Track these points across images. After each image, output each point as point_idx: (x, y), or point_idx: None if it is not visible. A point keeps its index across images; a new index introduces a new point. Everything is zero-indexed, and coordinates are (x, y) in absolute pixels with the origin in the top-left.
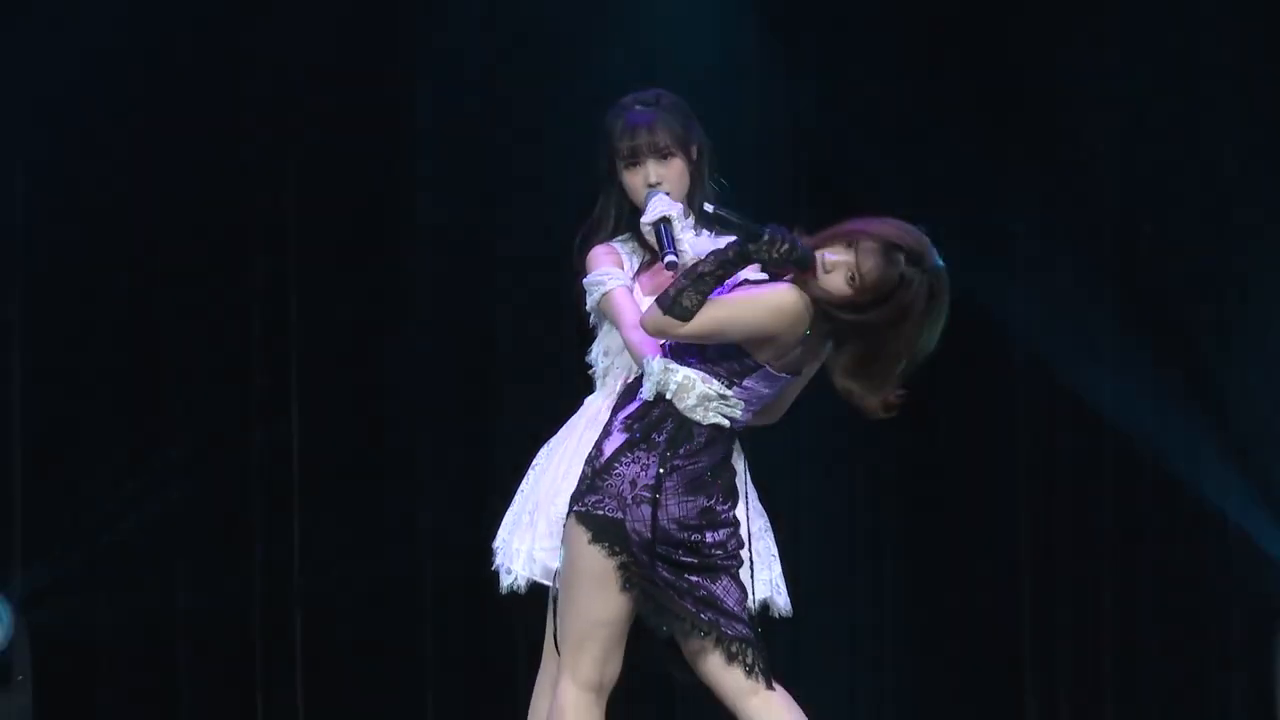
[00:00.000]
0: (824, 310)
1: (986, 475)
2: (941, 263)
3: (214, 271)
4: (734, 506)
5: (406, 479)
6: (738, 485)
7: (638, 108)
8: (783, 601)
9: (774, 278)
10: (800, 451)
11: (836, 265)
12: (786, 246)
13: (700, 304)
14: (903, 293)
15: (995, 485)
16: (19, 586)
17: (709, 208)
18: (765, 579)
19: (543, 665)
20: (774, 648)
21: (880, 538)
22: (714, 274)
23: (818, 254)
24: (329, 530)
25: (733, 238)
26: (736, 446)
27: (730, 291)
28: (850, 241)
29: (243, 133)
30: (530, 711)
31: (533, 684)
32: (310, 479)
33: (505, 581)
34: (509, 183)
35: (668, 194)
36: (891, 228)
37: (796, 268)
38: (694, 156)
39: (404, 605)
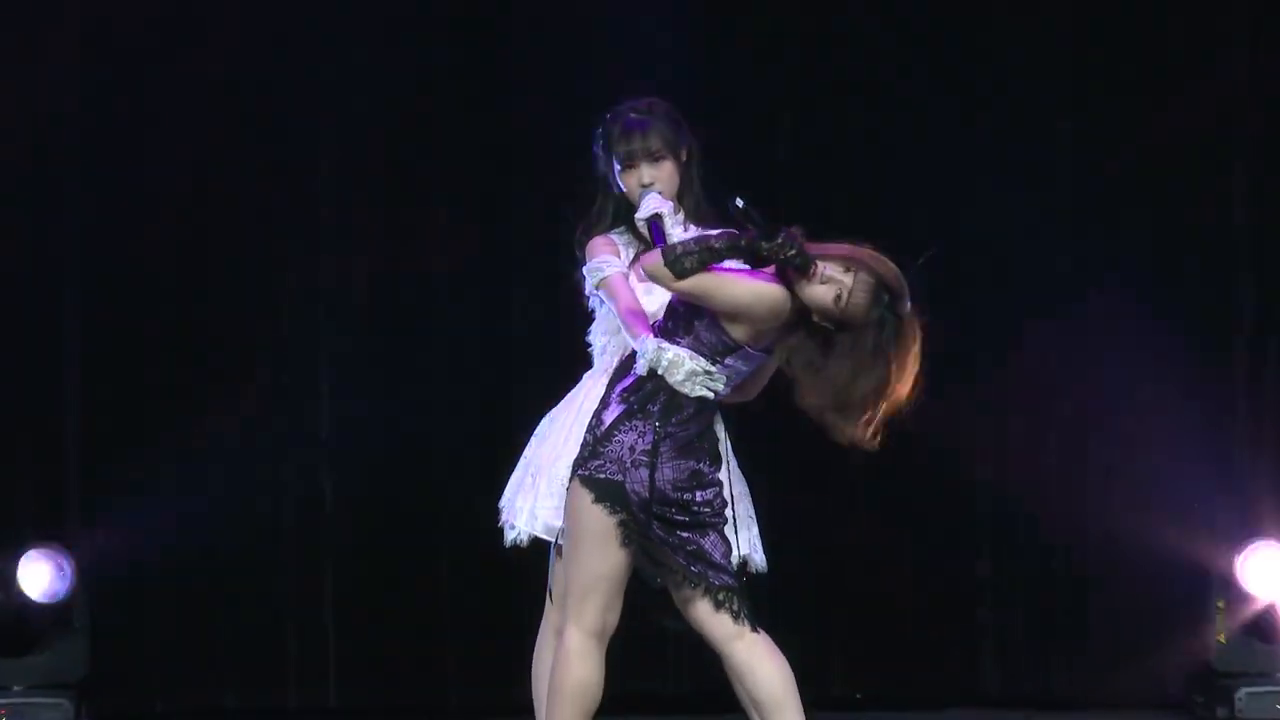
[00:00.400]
0: (800, 313)
1: (947, 446)
2: (911, 309)
3: (252, 257)
4: (719, 469)
5: (428, 449)
6: (720, 451)
7: (633, 115)
8: (759, 559)
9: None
10: (780, 425)
11: (831, 281)
12: (794, 251)
13: (698, 269)
14: (875, 330)
15: (956, 457)
16: (79, 541)
17: (740, 202)
18: (745, 538)
19: (545, 614)
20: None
21: (850, 499)
22: (721, 251)
23: (818, 264)
24: (358, 495)
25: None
26: (718, 417)
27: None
28: (849, 267)
29: (271, 129)
30: (535, 656)
31: (536, 631)
32: (340, 450)
33: (509, 537)
34: (518, 178)
35: (660, 193)
36: (887, 269)
37: (796, 270)
38: (683, 159)
39: (424, 559)
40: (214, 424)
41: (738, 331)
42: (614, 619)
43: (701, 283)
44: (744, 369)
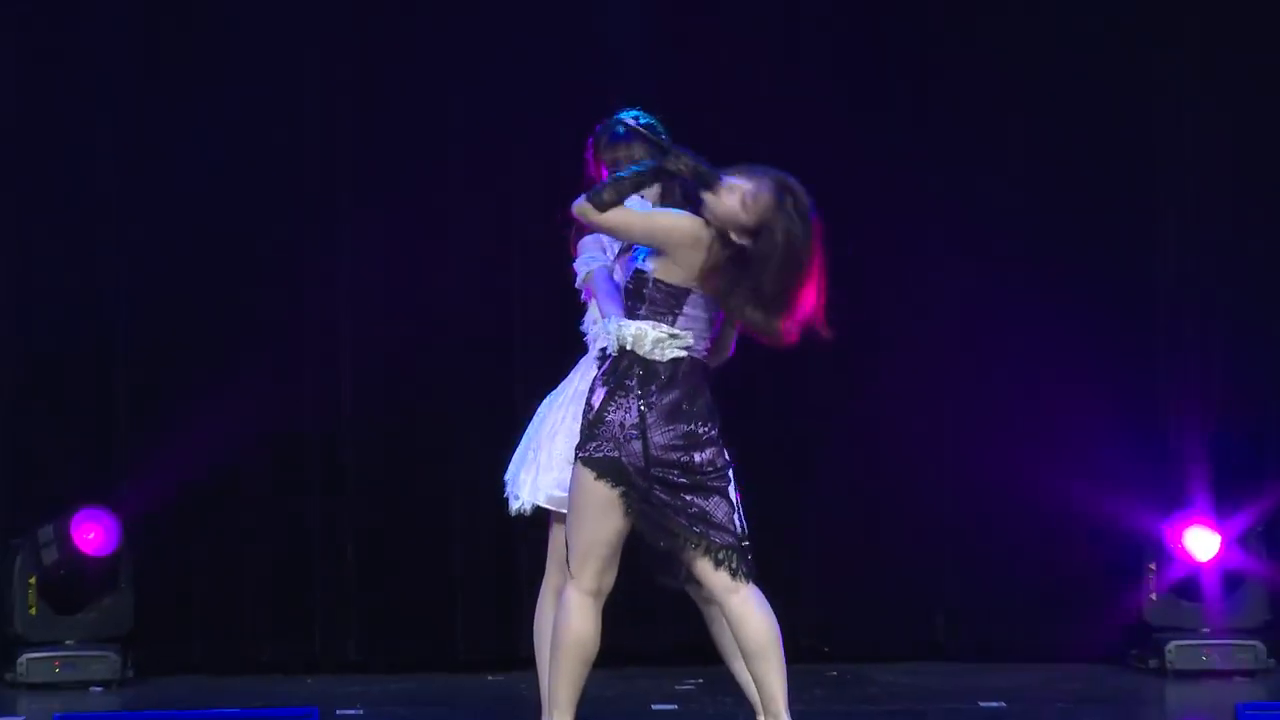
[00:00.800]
0: (719, 235)
1: (901, 427)
2: (815, 216)
3: (281, 248)
4: (714, 427)
5: (441, 429)
6: (715, 410)
7: (621, 126)
8: (739, 522)
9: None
10: (753, 395)
11: (735, 188)
12: (693, 162)
13: (615, 200)
14: (780, 226)
15: (910, 437)
16: (125, 506)
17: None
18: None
19: (545, 576)
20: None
21: (819, 475)
22: (631, 180)
23: (723, 177)
24: (378, 470)
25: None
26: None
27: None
28: (751, 173)
29: (297, 134)
30: (537, 614)
31: (538, 592)
32: (360, 430)
33: (513, 506)
34: (521, 180)
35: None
36: (786, 176)
37: (702, 184)
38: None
39: (437, 528)
40: (245, 403)
41: (675, 275)
42: (609, 580)
43: (620, 214)
44: (703, 315)
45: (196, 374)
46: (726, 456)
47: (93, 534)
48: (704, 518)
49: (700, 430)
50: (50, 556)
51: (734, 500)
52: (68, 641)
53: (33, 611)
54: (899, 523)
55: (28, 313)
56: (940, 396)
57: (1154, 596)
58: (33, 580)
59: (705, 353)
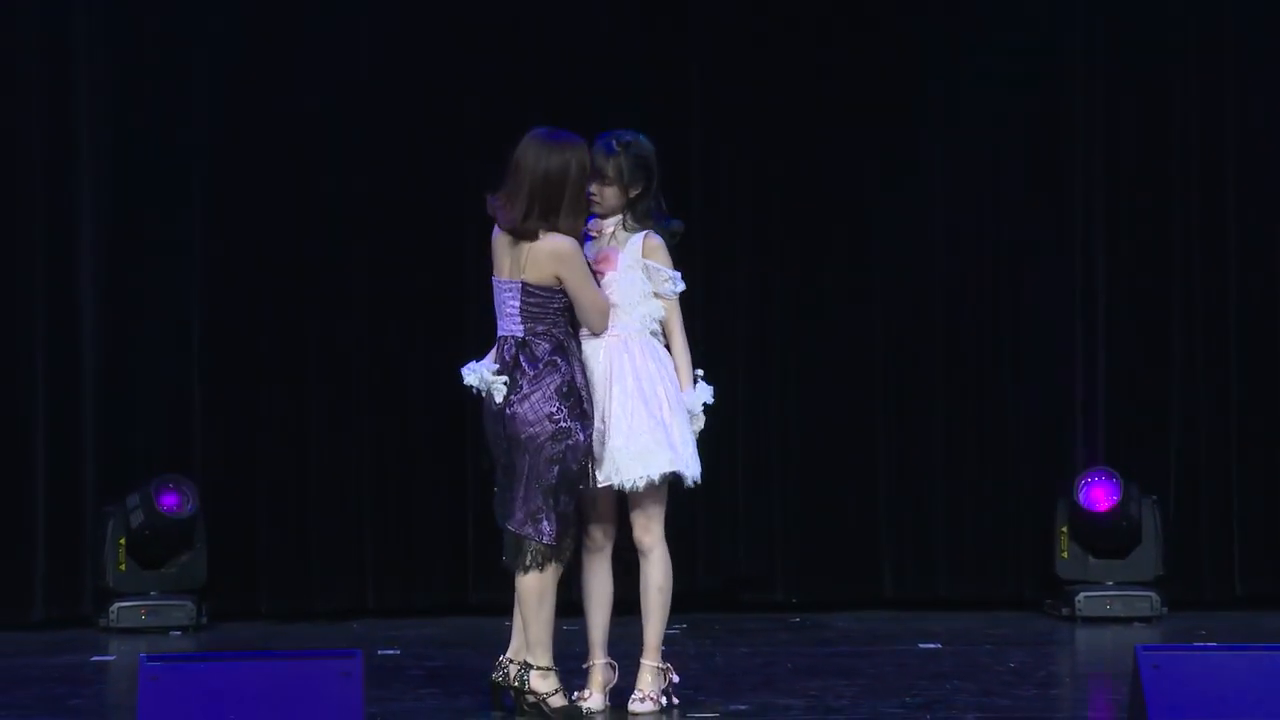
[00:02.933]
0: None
1: (853, 412)
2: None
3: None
4: (526, 404)
5: (455, 401)
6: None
7: (603, 141)
8: (690, 474)
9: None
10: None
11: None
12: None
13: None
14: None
15: (860, 420)
16: (201, 476)
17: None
18: (667, 458)
19: (589, 537)
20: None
21: (781, 453)
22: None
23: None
24: (410, 445)
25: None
26: (602, 356)
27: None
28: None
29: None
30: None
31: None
32: (391, 413)
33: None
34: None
35: (597, 200)
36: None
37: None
38: (631, 190)
39: (456, 492)
40: (294, 396)
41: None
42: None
43: None
44: (504, 297)
45: (262, 374)
46: (541, 440)
47: (173, 499)
48: (501, 498)
49: (509, 408)
50: (137, 520)
51: (545, 491)
52: (151, 593)
53: (122, 568)
54: (848, 491)
55: (117, 309)
56: (884, 378)
57: (1064, 554)
58: (122, 541)
59: (519, 329)
